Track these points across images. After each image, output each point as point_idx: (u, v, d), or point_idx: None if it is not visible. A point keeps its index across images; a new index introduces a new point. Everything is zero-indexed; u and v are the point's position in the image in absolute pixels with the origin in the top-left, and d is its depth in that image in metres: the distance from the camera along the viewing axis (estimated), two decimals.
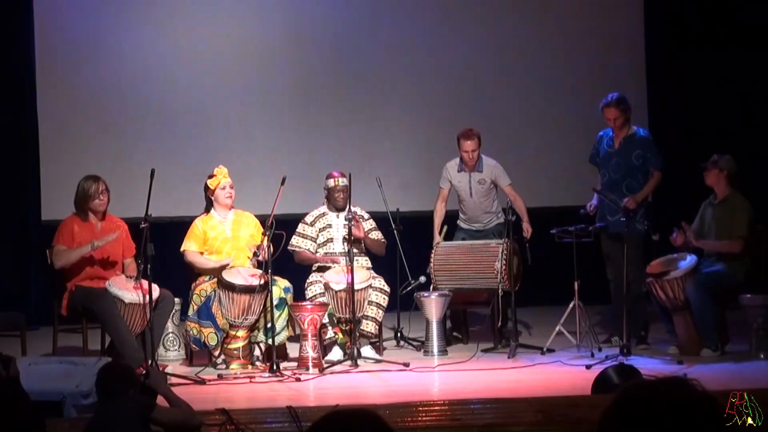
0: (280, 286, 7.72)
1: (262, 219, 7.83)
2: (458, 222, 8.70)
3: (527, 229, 8.35)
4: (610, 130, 8.25)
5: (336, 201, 8.15)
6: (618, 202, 7.91)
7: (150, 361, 6.95)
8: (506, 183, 8.51)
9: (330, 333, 7.87)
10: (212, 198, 7.96)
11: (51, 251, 7.53)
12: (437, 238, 8.58)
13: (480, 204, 8.55)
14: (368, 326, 7.88)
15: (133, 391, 4.83)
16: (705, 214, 7.92)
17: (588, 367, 7.06)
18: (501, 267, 8.03)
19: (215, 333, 7.59)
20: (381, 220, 8.47)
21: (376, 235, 8.27)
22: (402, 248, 8.40)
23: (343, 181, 8.13)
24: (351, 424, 2.14)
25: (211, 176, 7.96)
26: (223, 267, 7.71)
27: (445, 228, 8.63)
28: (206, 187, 7.98)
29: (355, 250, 7.84)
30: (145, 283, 7.15)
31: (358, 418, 2.15)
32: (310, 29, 10.68)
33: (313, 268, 8.17)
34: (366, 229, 8.22)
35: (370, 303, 7.90)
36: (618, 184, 8.12)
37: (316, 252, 8.19)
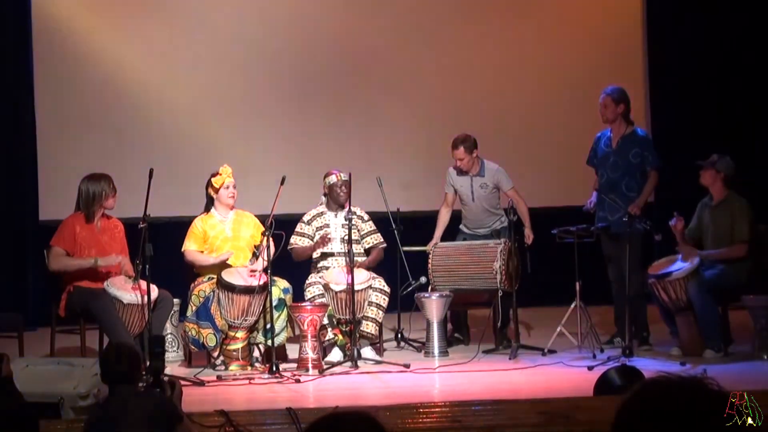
0: (280, 287, 7.68)
1: (262, 219, 7.79)
2: (460, 226, 8.64)
3: (528, 235, 8.28)
4: (608, 130, 8.23)
5: (338, 197, 8.10)
6: (618, 201, 7.88)
7: (149, 362, 6.89)
8: (509, 187, 8.44)
9: (330, 334, 7.83)
10: (214, 197, 7.91)
11: (48, 250, 7.46)
12: (434, 241, 8.50)
13: (482, 208, 8.49)
14: (368, 327, 7.84)
15: (160, 392, 4.80)
16: (702, 216, 7.87)
17: (590, 368, 7.02)
18: (499, 267, 7.99)
19: (214, 334, 7.55)
20: (381, 220, 8.44)
21: (375, 239, 8.21)
22: (402, 249, 8.35)
23: (345, 176, 8.09)
24: (347, 427, 2.11)
25: (215, 175, 7.91)
26: (224, 263, 7.68)
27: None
28: (209, 185, 7.93)
29: (355, 250, 7.79)
30: (143, 283, 7.10)
31: (355, 420, 2.12)
32: (310, 28, 10.65)
33: (312, 269, 8.12)
34: (365, 231, 8.18)
35: (370, 304, 7.86)
36: (617, 184, 8.08)
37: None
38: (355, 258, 7.81)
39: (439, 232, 8.58)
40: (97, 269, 7.39)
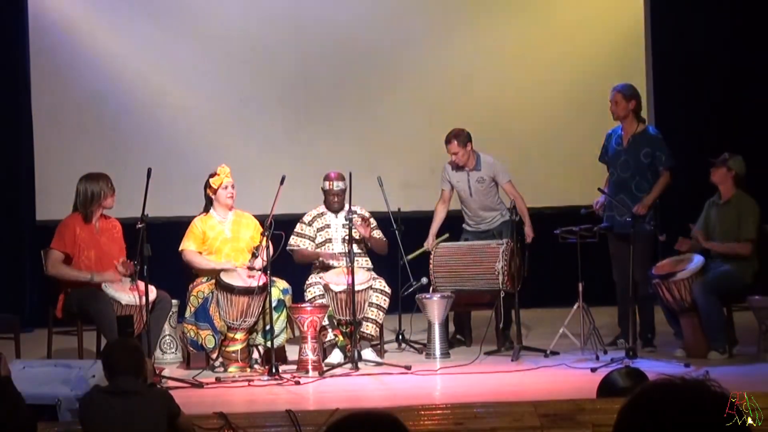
0: (279, 288, 7.62)
1: (261, 219, 7.74)
2: (463, 225, 8.58)
3: (529, 234, 8.22)
4: (619, 128, 8.13)
5: (332, 204, 8.08)
6: (626, 202, 7.82)
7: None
8: (505, 180, 8.39)
9: (330, 335, 7.77)
10: (213, 197, 7.84)
11: (47, 252, 7.40)
12: (429, 240, 8.44)
13: (481, 203, 8.44)
14: (369, 328, 7.79)
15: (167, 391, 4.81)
16: (710, 214, 7.81)
17: (593, 370, 6.97)
18: (501, 268, 7.93)
19: (213, 335, 7.49)
20: (382, 219, 8.38)
21: (377, 234, 8.17)
22: (403, 249, 8.29)
23: (338, 185, 8.04)
24: (371, 428, 2.08)
25: (213, 175, 7.85)
26: (222, 269, 7.62)
27: (446, 236, 8.52)
28: (207, 186, 7.86)
29: (355, 251, 7.73)
30: (141, 284, 7.04)
31: (378, 421, 2.08)
32: (310, 27, 10.60)
33: (313, 269, 8.06)
34: None
35: (371, 305, 7.80)
36: (627, 183, 8.00)
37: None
38: (356, 258, 7.76)
39: (434, 228, 8.53)
40: (94, 270, 7.32)
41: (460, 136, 8.30)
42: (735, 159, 7.71)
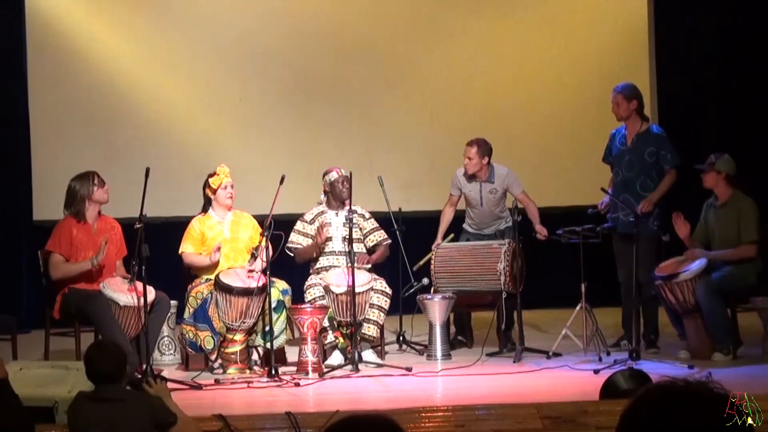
0: (278, 288, 7.58)
1: (260, 219, 7.69)
2: (464, 225, 8.53)
3: (541, 230, 8.15)
4: (623, 127, 8.10)
5: (341, 193, 8.00)
6: (630, 202, 7.77)
7: (145, 366, 6.81)
8: (519, 191, 8.34)
9: (330, 337, 7.72)
10: (212, 197, 7.81)
11: (46, 255, 7.35)
12: (438, 241, 8.42)
13: (490, 212, 8.42)
14: (369, 330, 7.75)
15: (155, 398, 4.76)
16: (708, 218, 7.76)
17: (596, 371, 6.92)
18: (503, 269, 7.88)
19: (211, 336, 7.44)
20: (383, 220, 8.34)
21: (379, 236, 8.12)
22: (404, 249, 8.25)
23: (344, 172, 8.01)
24: (367, 430, 2.09)
25: (212, 175, 7.81)
26: (222, 262, 7.56)
27: (451, 236, 8.50)
28: (206, 186, 7.83)
29: (356, 250, 7.68)
30: (139, 285, 6.99)
31: (374, 423, 2.09)
32: (310, 25, 10.57)
33: (312, 270, 8.01)
34: (368, 229, 8.09)
35: (372, 306, 7.76)
36: (632, 183, 7.96)
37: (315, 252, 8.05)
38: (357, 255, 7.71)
39: (441, 230, 8.51)
40: (93, 270, 7.27)
41: (483, 146, 8.27)
42: (721, 159, 7.63)
